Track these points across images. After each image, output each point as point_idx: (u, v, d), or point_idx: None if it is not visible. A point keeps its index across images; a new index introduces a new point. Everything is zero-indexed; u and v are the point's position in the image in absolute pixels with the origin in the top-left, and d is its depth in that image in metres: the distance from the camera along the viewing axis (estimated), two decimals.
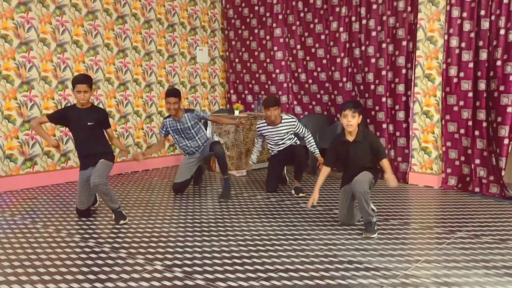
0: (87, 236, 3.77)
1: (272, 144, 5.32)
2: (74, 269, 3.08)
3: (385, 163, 3.92)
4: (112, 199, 4.12)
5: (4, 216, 4.29)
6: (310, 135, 5.30)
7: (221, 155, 5.00)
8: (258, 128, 5.36)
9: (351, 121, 3.80)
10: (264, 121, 5.31)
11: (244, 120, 5.53)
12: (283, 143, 5.26)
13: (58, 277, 2.95)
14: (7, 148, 5.29)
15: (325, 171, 4.03)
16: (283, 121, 5.20)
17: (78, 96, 4.09)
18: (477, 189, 5.27)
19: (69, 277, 2.96)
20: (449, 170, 5.56)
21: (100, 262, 3.21)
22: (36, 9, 5.45)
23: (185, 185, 5.20)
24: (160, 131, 5.20)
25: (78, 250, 3.45)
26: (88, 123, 4.15)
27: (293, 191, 5.19)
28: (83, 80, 4.09)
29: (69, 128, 4.39)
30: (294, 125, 5.22)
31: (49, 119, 4.23)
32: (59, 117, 4.25)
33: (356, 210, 4.03)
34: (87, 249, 3.46)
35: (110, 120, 6.19)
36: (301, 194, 5.10)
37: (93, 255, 3.33)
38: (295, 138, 5.35)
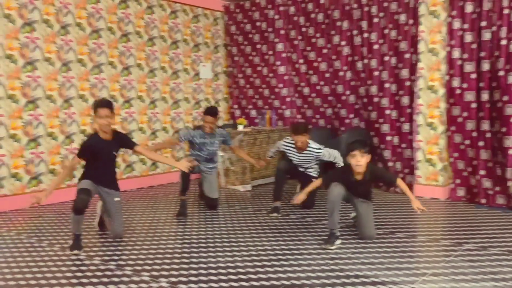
0: (92, 253, 3.77)
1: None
2: None
3: (401, 186, 3.92)
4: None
5: (11, 235, 4.30)
6: (340, 159, 4.99)
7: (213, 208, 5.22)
8: (284, 145, 5.11)
9: (360, 161, 3.77)
10: (292, 140, 5.00)
11: (260, 165, 5.42)
12: (304, 168, 5.16)
13: None
14: (12, 167, 5.32)
15: (317, 184, 4.15)
16: (308, 148, 4.97)
17: (101, 122, 3.88)
18: (483, 201, 5.23)
19: None
20: (458, 181, 5.53)
21: (105, 280, 3.20)
22: (41, 29, 5.53)
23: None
24: (180, 137, 5.26)
25: (83, 268, 3.44)
26: (113, 153, 4.07)
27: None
28: (105, 104, 3.91)
29: (91, 158, 4.03)
30: (320, 153, 4.96)
31: (80, 158, 4.03)
32: (86, 151, 4.01)
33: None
34: (92, 267, 3.45)
35: None
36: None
37: (98, 273, 3.33)
38: (317, 169, 5.21)
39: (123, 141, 4.15)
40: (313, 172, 5.22)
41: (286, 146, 5.11)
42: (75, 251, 3.76)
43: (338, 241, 3.87)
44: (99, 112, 3.88)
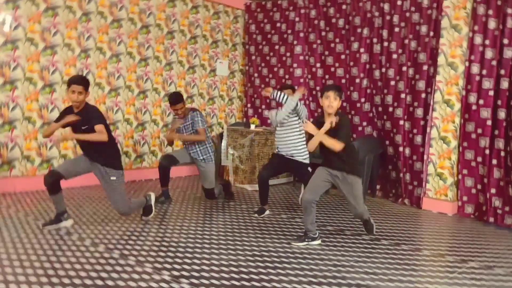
0: (97, 241, 3.80)
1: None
2: (83, 273, 3.10)
3: (334, 144, 3.83)
4: (140, 206, 4.40)
5: (18, 216, 4.35)
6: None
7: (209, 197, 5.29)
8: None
9: (332, 103, 3.85)
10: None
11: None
12: (285, 134, 4.89)
13: (66, 281, 2.98)
14: (25, 149, 5.38)
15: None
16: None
17: (72, 96, 3.92)
18: (491, 219, 5.18)
19: (77, 281, 2.98)
20: (465, 198, 5.48)
21: (108, 268, 3.23)
22: (63, 14, 5.57)
23: (172, 161, 5.20)
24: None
25: (88, 254, 3.47)
26: (82, 127, 3.96)
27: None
28: (79, 81, 3.96)
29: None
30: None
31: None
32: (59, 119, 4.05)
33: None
34: (96, 254, 3.48)
35: (127, 127, 6.28)
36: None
37: (102, 261, 3.35)
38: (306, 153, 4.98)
39: (88, 116, 4.00)
40: (302, 157, 4.92)
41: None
42: (47, 227, 4.02)
43: (314, 242, 4.02)
44: (72, 87, 3.91)
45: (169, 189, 5.31)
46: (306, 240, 4.02)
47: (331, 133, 3.90)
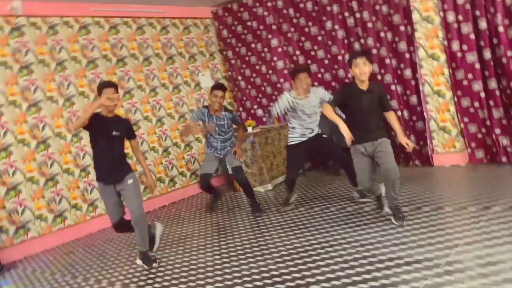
0: (127, 281, 3.81)
1: (302, 123, 4.82)
2: None
3: (392, 117, 3.91)
4: (145, 240, 4.07)
5: (45, 276, 4.37)
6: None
7: (243, 183, 5.27)
8: (287, 98, 4.71)
9: (363, 69, 3.71)
10: (292, 93, 4.79)
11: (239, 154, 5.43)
12: (315, 118, 4.84)
13: None
14: (36, 209, 5.40)
15: (330, 107, 3.88)
16: (312, 90, 4.78)
17: (108, 101, 3.76)
18: (504, 159, 5.16)
19: None
20: (473, 144, 5.47)
21: None
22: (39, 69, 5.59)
23: (209, 178, 5.38)
24: (192, 117, 5.27)
25: None
26: (114, 133, 3.92)
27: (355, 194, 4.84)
28: (111, 84, 3.92)
29: (91, 134, 3.96)
30: (321, 90, 4.89)
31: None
32: (92, 117, 3.79)
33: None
34: None
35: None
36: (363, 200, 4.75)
37: None
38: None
39: (127, 126, 4.09)
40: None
41: (290, 97, 4.73)
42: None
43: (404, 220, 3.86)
44: (106, 91, 3.82)
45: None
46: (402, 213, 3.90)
47: (375, 104, 3.83)
